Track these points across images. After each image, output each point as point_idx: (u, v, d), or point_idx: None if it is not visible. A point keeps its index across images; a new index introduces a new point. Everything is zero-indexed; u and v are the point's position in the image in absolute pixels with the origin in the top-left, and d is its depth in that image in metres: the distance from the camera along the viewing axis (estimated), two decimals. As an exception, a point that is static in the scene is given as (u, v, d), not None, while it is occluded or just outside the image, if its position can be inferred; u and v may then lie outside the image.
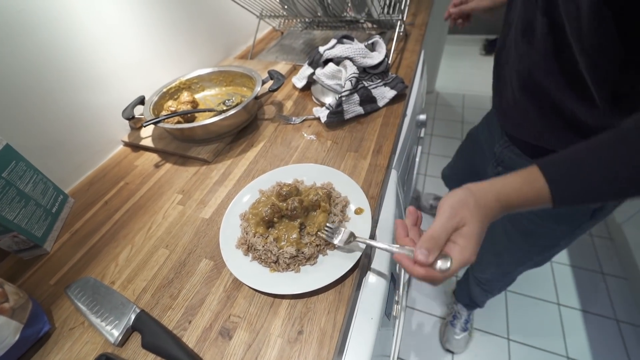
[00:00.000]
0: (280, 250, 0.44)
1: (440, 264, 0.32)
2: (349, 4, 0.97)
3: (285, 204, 0.48)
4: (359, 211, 0.50)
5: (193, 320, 0.42)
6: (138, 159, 0.72)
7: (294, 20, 1.13)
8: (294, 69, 0.96)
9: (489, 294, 1.03)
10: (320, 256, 0.45)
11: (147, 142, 0.74)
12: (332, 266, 0.43)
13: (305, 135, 0.70)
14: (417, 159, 1.09)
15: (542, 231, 0.65)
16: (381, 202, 0.58)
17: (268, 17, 1.06)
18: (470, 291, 1.06)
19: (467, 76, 2.54)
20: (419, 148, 1.08)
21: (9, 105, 0.55)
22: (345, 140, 0.67)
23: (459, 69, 2.63)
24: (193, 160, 0.68)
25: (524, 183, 0.34)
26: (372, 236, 0.50)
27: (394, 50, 0.90)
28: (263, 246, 0.45)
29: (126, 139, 0.75)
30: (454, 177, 1.06)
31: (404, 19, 0.91)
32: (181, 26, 0.87)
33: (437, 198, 1.59)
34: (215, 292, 0.45)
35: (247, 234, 0.48)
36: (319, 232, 0.46)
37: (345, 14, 0.99)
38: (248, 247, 0.47)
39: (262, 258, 0.45)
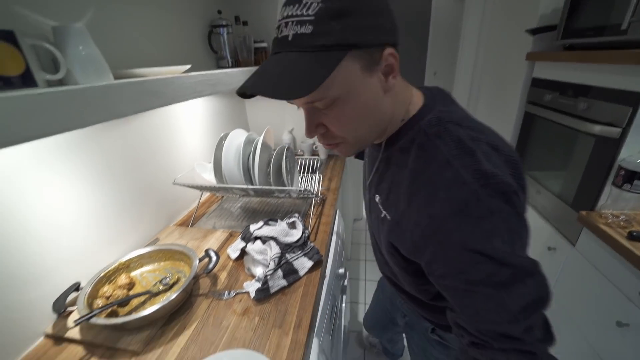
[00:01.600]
0: None
1: None
2: (272, 187, 1.24)
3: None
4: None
5: None
6: (60, 354, 0.71)
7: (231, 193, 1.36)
8: (231, 236, 1.12)
9: None
10: None
11: (74, 333, 0.74)
12: None
13: (235, 311, 0.79)
14: (344, 307, 1.22)
15: None
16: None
17: (209, 191, 1.27)
18: None
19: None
20: (344, 297, 1.22)
21: None
22: (271, 315, 0.77)
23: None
24: (122, 353, 0.70)
25: None
26: None
27: (313, 214, 1.13)
28: None
29: (49, 331, 0.75)
30: (376, 325, 1.19)
31: (318, 195, 1.20)
32: (129, 203, 1.00)
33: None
34: None
35: None
36: None
37: (270, 191, 1.25)
38: None
39: None
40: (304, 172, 1.48)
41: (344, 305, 1.22)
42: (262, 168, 1.11)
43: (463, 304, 0.45)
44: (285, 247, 0.93)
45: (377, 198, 0.58)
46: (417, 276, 0.56)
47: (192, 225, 1.20)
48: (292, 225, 1.01)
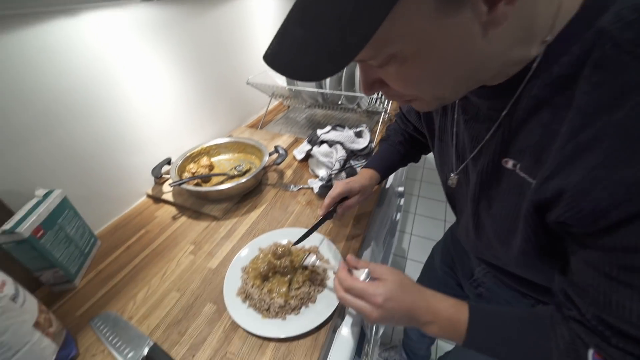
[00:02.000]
0: (272, 300, 0.56)
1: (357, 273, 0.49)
2: (343, 98, 1.20)
3: (279, 262, 0.61)
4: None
5: (196, 355, 0.53)
6: (158, 211, 0.86)
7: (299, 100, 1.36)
8: (296, 141, 1.15)
9: None
10: (304, 307, 0.57)
11: (168, 196, 0.88)
12: (311, 317, 0.55)
13: (300, 201, 0.85)
14: (399, 221, 1.24)
15: None
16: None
17: (278, 97, 1.29)
18: None
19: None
20: (399, 214, 1.24)
21: (67, 161, 0.70)
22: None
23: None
24: (205, 216, 0.82)
25: (454, 310, 0.43)
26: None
27: (378, 132, 1.10)
28: (258, 296, 0.57)
29: (150, 192, 0.90)
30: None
31: (388, 110, 1.14)
32: (207, 99, 1.08)
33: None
34: (216, 332, 0.56)
35: (246, 284, 0.60)
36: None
37: (340, 102, 1.22)
38: (246, 296, 0.59)
39: (257, 306, 0.57)
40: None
41: (398, 222, 1.25)
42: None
43: (599, 291, 0.31)
44: (351, 154, 0.94)
45: (511, 163, 0.38)
46: (542, 254, 0.39)
47: (261, 128, 1.26)
48: (359, 134, 0.99)
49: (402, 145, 0.75)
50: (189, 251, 0.72)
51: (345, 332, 0.58)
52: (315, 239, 0.70)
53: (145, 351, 0.53)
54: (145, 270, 0.69)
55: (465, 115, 0.46)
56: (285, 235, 0.71)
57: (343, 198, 0.68)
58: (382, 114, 1.15)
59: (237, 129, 1.25)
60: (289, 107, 1.47)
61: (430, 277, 0.92)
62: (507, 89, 0.36)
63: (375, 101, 1.13)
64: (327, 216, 0.67)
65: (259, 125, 1.27)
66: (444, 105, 0.51)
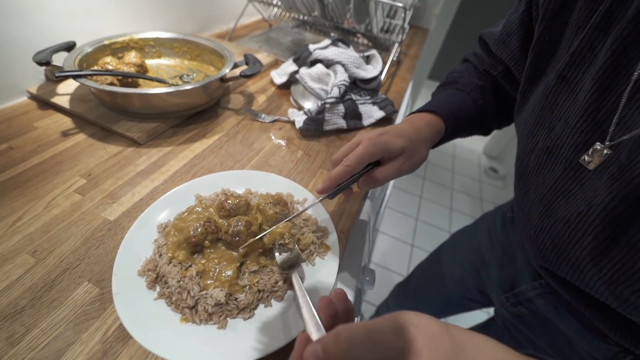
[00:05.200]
0: (203, 292, 0.30)
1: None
2: (351, 12, 0.89)
3: (226, 224, 0.34)
4: (324, 249, 0.38)
5: (31, 388, 0.26)
6: (42, 120, 0.53)
7: (286, 15, 1.02)
8: (276, 63, 0.84)
9: None
10: (261, 307, 0.32)
11: (63, 100, 0.55)
12: (274, 325, 0.30)
13: (273, 138, 0.57)
14: (388, 192, 1.01)
15: None
16: (346, 243, 0.47)
17: (259, 2, 0.94)
18: None
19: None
20: (392, 181, 1.01)
21: None
22: (320, 155, 0.55)
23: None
24: (118, 138, 0.51)
25: None
26: (334, 285, 0.38)
27: (386, 73, 0.82)
28: (178, 281, 0.30)
29: (34, 91, 0.56)
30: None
31: (402, 41, 0.85)
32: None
33: None
34: (87, 340, 0.29)
35: (160, 256, 0.33)
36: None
37: (343, 20, 0.90)
38: (156, 278, 0.32)
39: (173, 299, 0.30)
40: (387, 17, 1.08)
41: (388, 191, 1.02)
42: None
43: None
44: (352, 84, 0.66)
45: None
46: None
47: (230, 40, 0.92)
48: (368, 59, 0.71)
49: (480, 92, 0.45)
50: (74, 187, 0.43)
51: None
52: (295, 191, 0.44)
53: None
54: (-16, 210, 0.38)
55: None
56: (243, 181, 0.44)
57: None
58: (395, 48, 0.86)
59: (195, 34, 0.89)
60: (271, 25, 1.12)
61: (437, 274, 0.68)
62: None
63: (391, 27, 0.84)
64: (332, 194, 0.35)
65: (226, 37, 0.93)
66: None
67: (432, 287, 0.69)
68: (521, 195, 0.37)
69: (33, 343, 0.28)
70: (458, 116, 0.43)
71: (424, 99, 2.45)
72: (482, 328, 0.59)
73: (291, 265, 0.33)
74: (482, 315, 0.84)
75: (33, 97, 0.57)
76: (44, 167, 0.45)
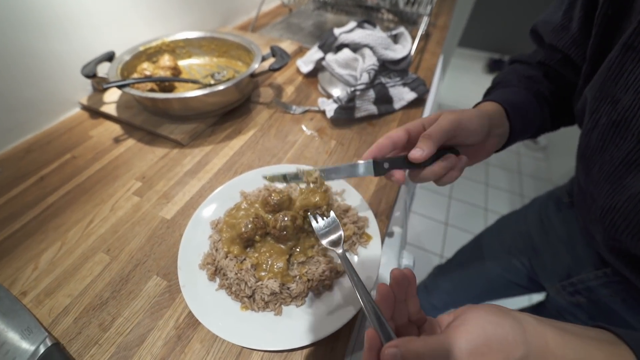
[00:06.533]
0: (259, 283, 0.33)
1: None
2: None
3: (273, 219, 0.36)
4: (366, 238, 0.39)
5: (125, 367, 0.31)
6: (95, 128, 0.58)
7: (307, -4, 0.99)
8: (300, 51, 0.84)
9: None
10: (312, 296, 0.34)
11: (111, 109, 0.59)
12: (324, 311, 0.32)
13: (305, 129, 0.58)
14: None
15: None
16: (386, 230, 0.48)
17: (278, -13, 0.92)
18: None
19: (467, 91, 2.48)
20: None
21: None
22: (353, 143, 0.56)
23: (461, 83, 2.56)
24: (163, 140, 0.55)
25: None
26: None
27: (418, 39, 0.78)
28: (236, 273, 0.33)
29: (84, 102, 0.61)
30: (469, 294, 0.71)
31: (431, 14, 0.81)
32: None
33: None
34: (163, 327, 0.33)
35: (216, 251, 0.36)
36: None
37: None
38: (216, 270, 0.35)
39: (233, 289, 0.33)
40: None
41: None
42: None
43: None
44: (381, 67, 0.64)
45: None
46: None
47: (253, 31, 0.92)
48: (396, 39, 0.68)
49: (531, 82, 0.42)
50: (132, 190, 0.47)
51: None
52: (332, 183, 0.45)
53: (38, 354, 0.30)
54: (61, 215, 0.44)
55: None
56: (283, 176, 0.46)
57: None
58: (423, 22, 0.81)
59: (219, 29, 0.91)
60: (291, 10, 1.10)
61: (480, 259, 0.67)
62: None
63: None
64: (384, 170, 0.33)
65: (249, 28, 0.93)
66: None
67: (475, 272, 0.68)
68: (583, 176, 0.36)
69: (120, 329, 0.33)
70: (520, 108, 0.39)
71: (454, 70, 2.32)
72: (531, 312, 0.59)
73: (335, 242, 0.32)
74: (522, 299, 0.82)
75: (85, 107, 0.62)
76: (104, 172, 0.50)
